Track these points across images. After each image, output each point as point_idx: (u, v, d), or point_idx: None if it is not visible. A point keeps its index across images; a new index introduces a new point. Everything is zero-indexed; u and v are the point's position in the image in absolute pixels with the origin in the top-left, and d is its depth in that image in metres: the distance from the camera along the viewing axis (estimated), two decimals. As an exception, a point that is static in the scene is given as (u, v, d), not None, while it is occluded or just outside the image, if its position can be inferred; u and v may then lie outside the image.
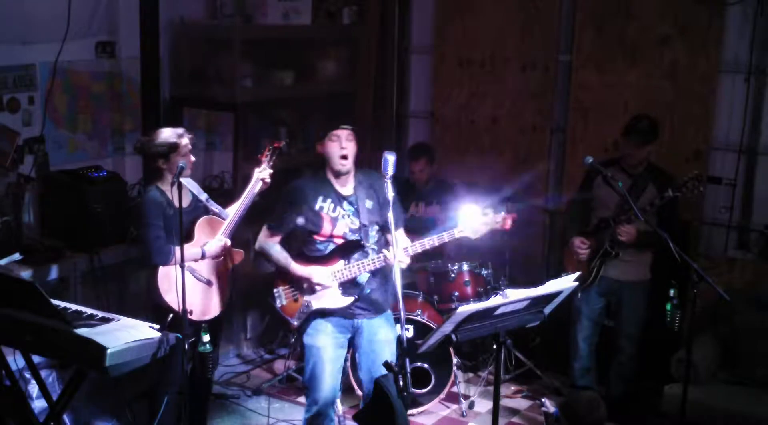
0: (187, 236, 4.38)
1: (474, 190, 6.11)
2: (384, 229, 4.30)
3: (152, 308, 4.39)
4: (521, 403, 5.54)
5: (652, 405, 5.14)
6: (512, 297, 3.46)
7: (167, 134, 4.37)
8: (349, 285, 4.25)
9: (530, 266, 6.10)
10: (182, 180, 4.37)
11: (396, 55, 6.85)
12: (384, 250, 4.17)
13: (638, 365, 5.23)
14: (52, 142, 5.30)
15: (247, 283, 6.10)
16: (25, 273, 4.69)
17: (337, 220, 4.25)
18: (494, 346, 3.63)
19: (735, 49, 5.49)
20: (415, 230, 5.01)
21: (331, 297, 4.26)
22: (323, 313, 4.28)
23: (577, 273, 3.85)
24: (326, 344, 4.28)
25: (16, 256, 4.78)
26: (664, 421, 4.95)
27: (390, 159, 3.95)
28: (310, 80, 6.47)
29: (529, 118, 6.28)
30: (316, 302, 4.28)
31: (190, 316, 4.14)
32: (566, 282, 3.63)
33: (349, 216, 4.26)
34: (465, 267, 5.48)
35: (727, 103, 5.57)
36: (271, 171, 4.49)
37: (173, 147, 4.33)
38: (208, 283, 4.46)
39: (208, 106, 6.03)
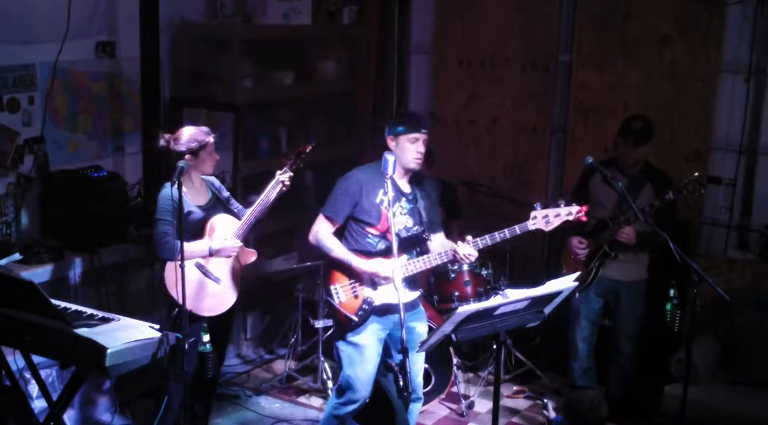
0: (200, 233, 4.40)
1: (474, 190, 6.14)
2: (431, 230, 4.31)
3: (164, 303, 4.42)
4: (521, 403, 5.54)
5: (652, 405, 5.14)
6: (512, 297, 3.46)
7: (195, 132, 4.41)
8: (409, 280, 4.23)
9: (530, 266, 6.10)
10: (205, 178, 4.52)
11: (396, 55, 6.85)
12: (456, 244, 4.14)
13: (638, 365, 5.24)
14: (52, 142, 5.30)
15: (247, 283, 6.10)
16: (25, 273, 4.68)
17: (395, 216, 4.18)
18: (494, 346, 3.63)
19: (735, 49, 5.49)
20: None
21: (393, 293, 4.16)
22: (381, 310, 4.24)
23: (577, 273, 3.85)
24: (371, 343, 4.26)
25: (16, 256, 4.79)
26: (664, 421, 4.95)
27: (390, 159, 3.96)
28: (310, 80, 6.47)
29: (529, 118, 6.28)
30: (379, 298, 4.22)
31: (197, 312, 4.16)
32: (566, 282, 3.63)
33: (405, 213, 4.25)
34: (465, 267, 5.48)
35: (727, 103, 5.57)
36: (292, 174, 4.48)
37: (203, 144, 4.37)
38: (217, 281, 4.46)
39: (208, 106, 6.03)
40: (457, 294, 5.46)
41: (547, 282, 3.59)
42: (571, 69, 6.08)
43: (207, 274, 4.43)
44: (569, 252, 5.07)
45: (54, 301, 3.64)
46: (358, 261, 4.21)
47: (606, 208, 5.00)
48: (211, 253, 4.41)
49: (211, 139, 4.43)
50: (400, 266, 4.14)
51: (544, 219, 4.05)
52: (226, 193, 4.58)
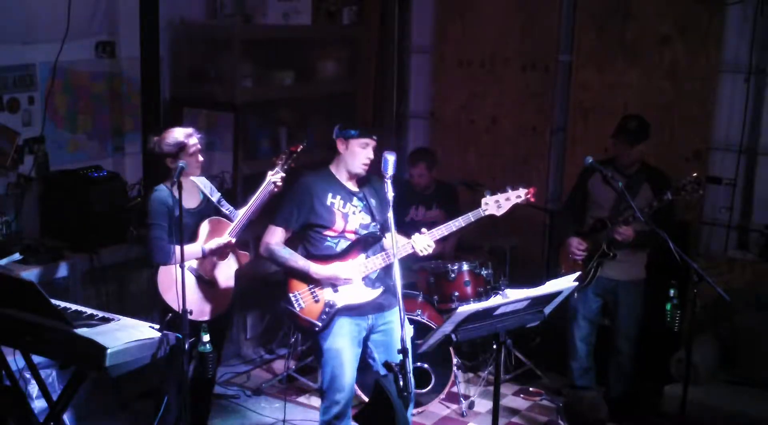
0: (192, 236, 4.38)
1: (474, 190, 6.13)
2: (383, 229, 4.31)
3: (159, 307, 4.39)
4: (521, 403, 5.54)
5: (652, 405, 5.14)
6: (512, 297, 3.46)
7: (177, 134, 4.38)
8: (367, 279, 4.25)
9: (530, 266, 6.10)
10: (195, 179, 4.45)
11: (396, 55, 6.85)
12: (412, 237, 4.18)
13: (638, 365, 5.24)
14: (52, 142, 5.30)
15: (247, 283, 6.10)
16: (25, 273, 4.69)
17: (348, 216, 4.26)
18: (494, 346, 3.63)
19: (735, 49, 5.49)
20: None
21: (355, 293, 4.23)
22: (344, 311, 4.25)
23: (577, 274, 3.85)
24: (344, 345, 4.26)
25: (16, 256, 4.79)
26: (664, 421, 4.94)
27: (390, 159, 3.96)
28: (310, 80, 6.48)
29: (529, 118, 6.28)
30: (341, 299, 4.24)
31: (193, 318, 4.14)
32: (566, 282, 3.63)
33: (360, 211, 4.28)
34: (465, 267, 5.48)
35: (727, 103, 5.57)
36: (284, 174, 4.45)
37: (182, 146, 4.33)
38: (211, 284, 4.45)
39: (208, 106, 6.03)
40: (457, 294, 5.45)
41: (547, 282, 3.59)
42: (571, 69, 6.08)
43: (201, 278, 4.41)
44: (568, 252, 5.07)
45: (54, 301, 3.64)
46: (317, 268, 4.23)
47: (604, 208, 5.00)
48: (204, 255, 4.37)
49: (192, 140, 4.36)
50: (353, 265, 4.21)
51: (496, 203, 4.16)
52: (216, 194, 4.51)
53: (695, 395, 4.48)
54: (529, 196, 4.17)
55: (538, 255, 6.23)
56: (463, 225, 4.18)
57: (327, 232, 4.26)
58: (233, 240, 4.42)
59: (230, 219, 4.48)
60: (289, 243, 4.36)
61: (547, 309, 3.66)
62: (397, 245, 3.91)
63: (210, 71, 6.00)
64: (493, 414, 3.65)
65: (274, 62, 6.20)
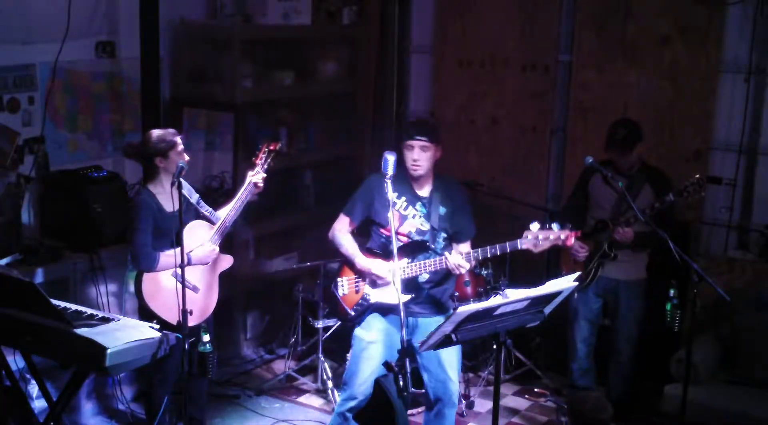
0: (173, 241, 4.33)
1: (474, 190, 6.13)
2: (453, 238, 4.34)
3: (143, 314, 4.37)
4: (521, 403, 5.54)
5: (652, 405, 5.14)
6: (512, 297, 3.46)
7: (162, 133, 4.39)
8: (410, 284, 4.27)
9: (530, 266, 6.09)
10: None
11: (396, 55, 6.84)
12: (446, 252, 4.20)
13: (638, 365, 5.23)
14: (52, 142, 5.30)
15: (247, 283, 6.10)
16: (25, 274, 4.68)
17: (406, 219, 4.28)
18: (494, 346, 3.63)
19: (735, 49, 5.49)
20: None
21: (389, 293, 4.26)
22: (381, 309, 4.31)
23: (577, 274, 3.85)
24: (377, 339, 4.31)
25: (16, 256, 4.79)
26: (664, 421, 4.95)
27: (390, 159, 3.97)
28: (310, 80, 6.47)
29: (529, 118, 6.28)
30: (375, 296, 4.31)
31: (169, 321, 4.11)
32: (566, 282, 3.63)
33: (420, 217, 4.30)
34: (465, 267, 5.47)
35: (727, 103, 5.57)
36: (265, 175, 4.46)
37: (172, 144, 4.34)
38: (194, 289, 4.40)
39: (208, 106, 6.03)
40: (457, 294, 5.45)
41: (547, 282, 3.59)
42: (571, 69, 6.08)
43: (185, 284, 4.37)
44: (570, 253, 5.06)
45: (54, 301, 3.64)
46: (360, 259, 4.33)
47: (605, 208, 5.00)
48: (190, 262, 4.32)
49: (177, 139, 4.38)
50: (397, 268, 4.16)
51: (534, 240, 4.10)
52: (195, 196, 4.46)
53: (695, 395, 4.48)
54: (570, 239, 4.10)
55: (538, 256, 6.21)
56: (498, 253, 4.18)
57: (383, 230, 4.31)
58: (216, 249, 4.41)
59: (211, 222, 4.44)
60: (360, 232, 4.50)
61: (547, 310, 3.66)
62: (396, 243, 3.93)
63: (210, 71, 5.99)
64: (493, 414, 3.65)
65: (274, 62, 6.19)
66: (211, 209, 4.50)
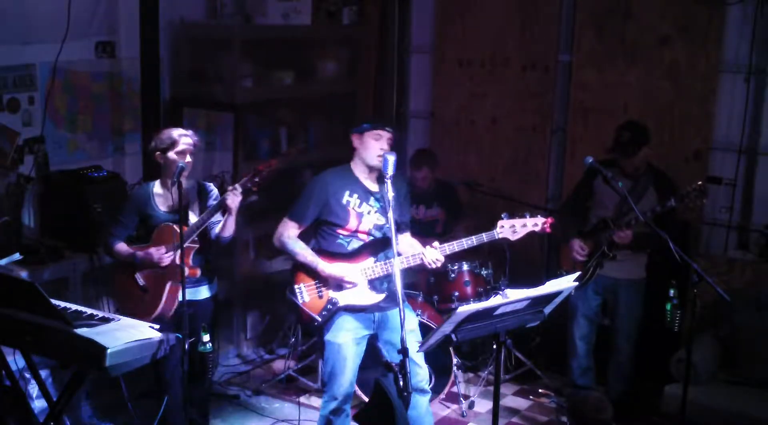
0: (147, 238, 4.40)
1: (474, 190, 6.13)
2: (398, 228, 4.31)
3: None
4: (521, 403, 5.54)
5: (652, 405, 5.14)
6: (512, 297, 3.46)
7: (171, 131, 4.38)
8: (377, 282, 4.26)
9: (530, 266, 6.10)
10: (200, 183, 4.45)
11: (396, 55, 6.85)
12: (425, 248, 4.18)
13: (638, 365, 5.24)
14: (52, 142, 5.30)
15: (247, 283, 6.10)
16: (25, 274, 4.69)
17: (363, 216, 4.27)
18: (494, 346, 3.63)
19: (735, 49, 5.49)
20: (416, 233, 5.00)
21: (359, 295, 4.25)
22: (346, 309, 4.28)
23: (577, 274, 3.85)
24: (347, 340, 4.29)
25: (16, 256, 4.78)
26: (664, 421, 4.95)
27: (390, 159, 3.97)
28: (310, 80, 6.47)
29: (529, 118, 6.28)
30: (343, 299, 4.26)
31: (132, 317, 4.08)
32: (566, 282, 3.63)
33: (376, 212, 4.28)
34: (465, 267, 5.48)
35: (727, 103, 5.57)
36: (240, 197, 4.19)
37: (172, 142, 4.31)
38: (144, 290, 4.38)
39: (208, 106, 6.03)
40: (457, 294, 5.46)
41: (547, 282, 3.59)
42: (571, 69, 6.08)
43: (138, 280, 4.39)
44: (570, 253, 5.06)
45: (54, 301, 3.64)
46: (324, 265, 4.25)
47: (608, 208, 5.00)
48: (137, 261, 4.33)
49: (184, 139, 4.32)
50: (360, 267, 4.22)
51: (511, 228, 4.12)
52: (213, 202, 4.40)
53: (695, 395, 4.48)
54: (545, 226, 4.14)
55: (538, 255, 6.24)
56: (476, 244, 4.17)
57: (340, 230, 4.27)
58: (164, 259, 4.28)
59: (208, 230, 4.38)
60: (302, 235, 4.38)
61: (547, 309, 3.66)
62: (397, 244, 3.92)
63: (210, 71, 5.99)
64: (493, 414, 3.65)
65: (274, 62, 6.19)
66: (217, 221, 4.37)
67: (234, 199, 4.16)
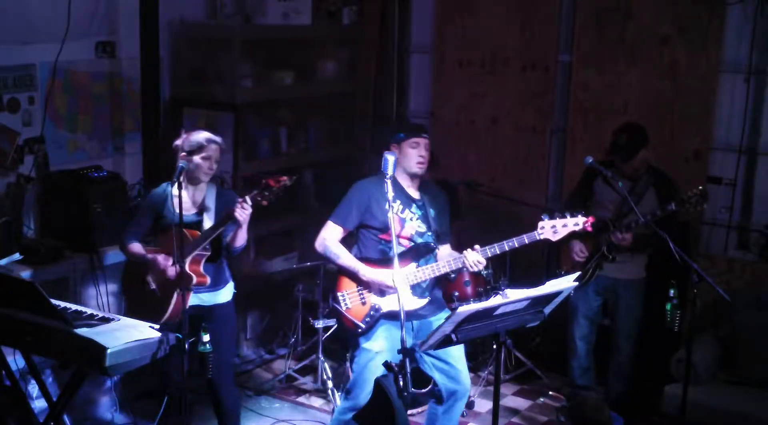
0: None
1: (474, 190, 6.13)
2: (439, 239, 4.34)
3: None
4: (521, 403, 5.54)
5: (652, 405, 5.15)
6: (512, 297, 3.46)
7: (201, 134, 4.30)
8: (417, 287, 4.24)
9: (530, 266, 6.10)
10: (208, 190, 4.37)
11: (396, 55, 6.85)
12: (465, 252, 4.16)
13: (638, 365, 5.23)
14: (52, 142, 5.30)
15: (246, 284, 6.10)
16: (25, 273, 4.69)
17: (405, 221, 4.25)
18: (494, 346, 3.63)
19: (735, 49, 5.49)
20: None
21: (403, 300, 4.22)
22: (388, 316, 4.25)
23: (577, 274, 3.85)
24: (382, 349, 4.26)
25: (16, 256, 4.79)
26: (664, 421, 4.95)
27: (390, 159, 3.96)
28: (310, 80, 6.48)
29: (529, 118, 6.28)
30: (386, 305, 4.24)
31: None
32: (566, 283, 3.63)
33: (417, 218, 4.28)
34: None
35: (727, 103, 5.57)
36: (251, 211, 4.09)
37: (198, 146, 4.24)
38: (153, 291, 4.35)
39: (208, 106, 6.03)
40: (457, 294, 5.45)
41: (547, 282, 3.59)
42: (571, 69, 6.08)
43: (149, 281, 4.36)
44: (570, 254, 5.06)
45: (54, 301, 3.64)
46: (366, 270, 4.23)
47: (608, 208, 5.00)
48: (147, 263, 4.31)
49: (211, 144, 4.25)
50: (403, 273, 4.18)
51: (552, 229, 4.10)
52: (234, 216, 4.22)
53: (695, 395, 4.48)
54: (587, 225, 4.10)
55: (538, 256, 6.23)
56: (517, 246, 4.14)
57: (382, 236, 4.26)
58: (169, 270, 4.21)
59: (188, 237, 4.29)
60: (343, 243, 4.35)
61: (547, 309, 3.66)
62: (396, 244, 3.92)
63: (210, 71, 5.99)
64: (493, 414, 3.65)
65: (274, 62, 6.19)
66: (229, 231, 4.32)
67: (243, 213, 4.08)
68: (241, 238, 4.27)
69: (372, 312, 4.24)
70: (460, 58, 6.50)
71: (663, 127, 5.65)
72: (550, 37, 6.13)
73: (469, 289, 5.47)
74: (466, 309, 3.36)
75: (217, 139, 4.33)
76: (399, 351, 3.61)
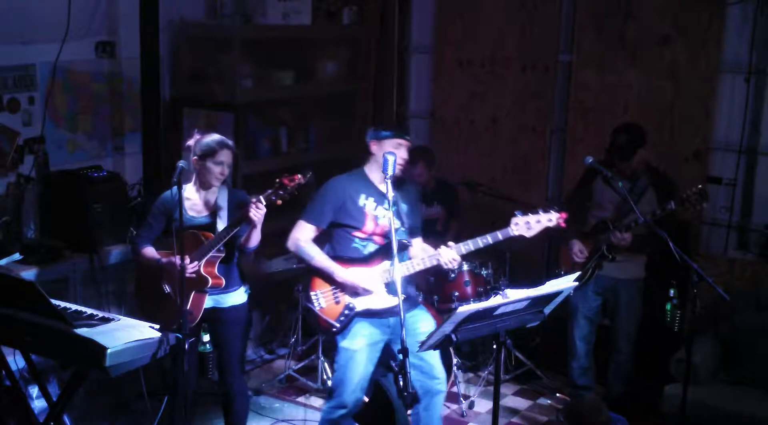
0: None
1: (474, 190, 6.13)
2: (411, 235, 4.34)
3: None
4: (521, 403, 5.54)
5: (652, 405, 5.15)
6: (512, 297, 3.46)
7: (213, 138, 4.25)
8: (392, 285, 4.23)
9: (530, 266, 6.10)
10: (233, 193, 4.37)
11: (396, 55, 6.85)
12: (440, 249, 4.16)
13: (638, 365, 5.24)
14: (52, 142, 5.31)
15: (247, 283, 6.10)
16: (25, 273, 4.69)
17: (379, 218, 4.25)
18: (494, 346, 3.63)
19: (735, 49, 5.49)
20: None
21: (377, 299, 4.23)
22: (363, 314, 4.25)
23: (577, 274, 3.85)
24: (362, 346, 4.26)
25: (16, 256, 4.80)
26: (664, 421, 4.95)
27: (390, 159, 3.97)
28: (310, 80, 6.48)
29: (529, 118, 6.28)
30: (361, 304, 4.24)
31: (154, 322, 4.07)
32: (566, 282, 3.63)
33: (390, 216, 4.26)
34: (465, 267, 5.47)
35: (727, 103, 5.57)
36: (265, 211, 4.08)
37: (211, 152, 4.20)
38: (168, 295, 4.33)
39: (208, 106, 6.03)
40: (457, 294, 5.45)
41: (547, 282, 3.59)
42: (571, 69, 6.08)
43: (164, 286, 4.34)
44: (570, 254, 5.07)
45: (54, 301, 3.64)
46: (341, 271, 4.21)
47: (607, 209, 5.00)
48: (161, 267, 4.28)
49: (222, 150, 4.22)
50: (381, 273, 4.20)
51: (526, 225, 4.10)
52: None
53: (695, 395, 4.49)
54: (560, 220, 4.11)
55: (538, 255, 6.23)
56: (491, 242, 4.15)
57: (356, 233, 4.25)
58: (185, 270, 4.05)
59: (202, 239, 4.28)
60: (316, 240, 4.33)
61: (547, 309, 3.66)
62: (396, 244, 3.92)
63: (210, 71, 6.00)
64: (493, 414, 3.65)
65: (274, 62, 6.20)
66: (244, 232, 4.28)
67: (257, 213, 4.04)
68: (255, 239, 4.26)
69: (346, 312, 4.24)
70: (460, 58, 6.50)
71: (663, 127, 5.65)
72: (550, 37, 6.13)
73: (469, 289, 5.47)
74: (466, 309, 3.36)
75: (230, 142, 4.29)
76: (399, 351, 3.61)
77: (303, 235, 4.29)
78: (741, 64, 5.48)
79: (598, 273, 5.03)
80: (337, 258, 4.28)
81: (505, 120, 6.39)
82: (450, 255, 4.14)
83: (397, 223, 4.26)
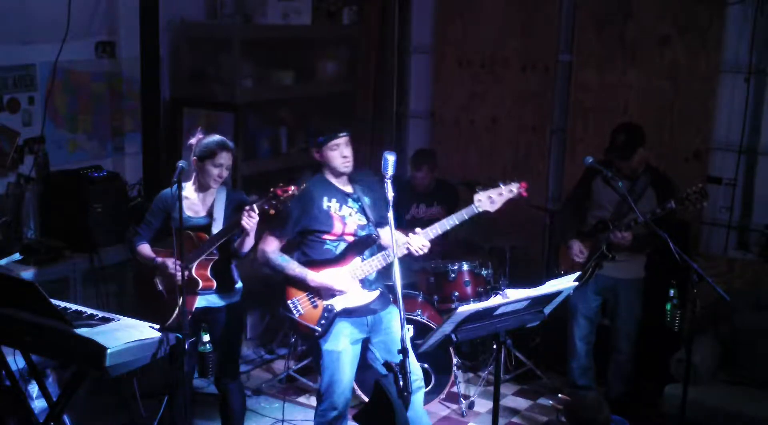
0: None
1: (474, 190, 6.13)
2: (379, 226, 4.32)
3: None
4: (521, 403, 5.54)
5: (652, 405, 5.14)
6: (512, 297, 3.46)
7: (213, 140, 4.24)
8: (366, 281, 4.25)
9: (530, 266, 6.11)
10: (219, 195, 4.33)
11: (396, 55, 6.85)
12: (408, 238, 4.15)
13: (638, 365, 5.24)
14: (52, 142, 5.31)
15: (246, 284, 6.09)
16: (25, 273, 4.69)
17: (346, 218, 4.26)
18: (494, 346, 3.63)
19: (735, 49, 5.49)
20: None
21: (354, 296, 4.23)
22: (343, 314, 4.25)
23: (577, 274, 3.85)
24: (345, 347, 4.26)
25: (16, 256, 4.80)
26: (664, 421, 4.94)
27: (390, 159, 3.95)
28: (310, 80, 6.48)
29: (529, 118, 6.28)
30: (339, 303, 4.24)
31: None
32: (566, 282, 3.63)
33: (356, 212, 4.28)
34: (465, 267, 5.48)
35: (727, 103, 5.57)
36: (257, 219, 4.06)
37: (210, 154, 4.20)
38: (161, 295, 4.34)
39: (208, 106, 6.03)
40: (457, 294, 5.46)
41: (547, 282, 3.59)
42: (571, 69, 6.08)
43: (157, 284, 4.34)
44: (569, 254, 5.06)
45: (54, 301, 3.64)
46: (313, 276, 4.22)
47: (606, 208, 5.00)
48: (156, 265, 4.28)
49: (223, 152, 4.21)
50: (353, 271, 4.20)
51: (489, 200, 4.13)
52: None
53: (695, 395, 4.49)
54: (521, 190, 4.16)
55: (538, 255, 6.24)
56: (457, 223, 4.15)
57: (326, 236, 4.25)
58: (177, 275, 4.03)
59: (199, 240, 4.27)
60: (284, 249, 4.33)
61: (547, 309, 3.66)
62: (396, 244, 3.91)
63: (210, 71, 6.00)
64: (493, 414, 3.65)
65: (274, 62, 6.20)
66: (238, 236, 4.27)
67: (249, 221, 4.04)
68: (248, 244, 4.27)
69: (326, 314, 4.23)
70: (460, 58, 6.50)
71: (663, 127, 5.66)
72: (550, 37, 6.13)
73: (469, 289, 5.47)
74: (466, 309, 3.36)
75: (230, 144, 4.29)
76: (399, 351, 3.61)
77: (270, 247, 4.29)
78: (741, 64, 5.48)
79: (598, 273, 5.03)
80: (310, 262, 4.27)
81: (505, 120, 6.39)
82: (419, 241, 4.14)
83: (363, 220, 4.27)
